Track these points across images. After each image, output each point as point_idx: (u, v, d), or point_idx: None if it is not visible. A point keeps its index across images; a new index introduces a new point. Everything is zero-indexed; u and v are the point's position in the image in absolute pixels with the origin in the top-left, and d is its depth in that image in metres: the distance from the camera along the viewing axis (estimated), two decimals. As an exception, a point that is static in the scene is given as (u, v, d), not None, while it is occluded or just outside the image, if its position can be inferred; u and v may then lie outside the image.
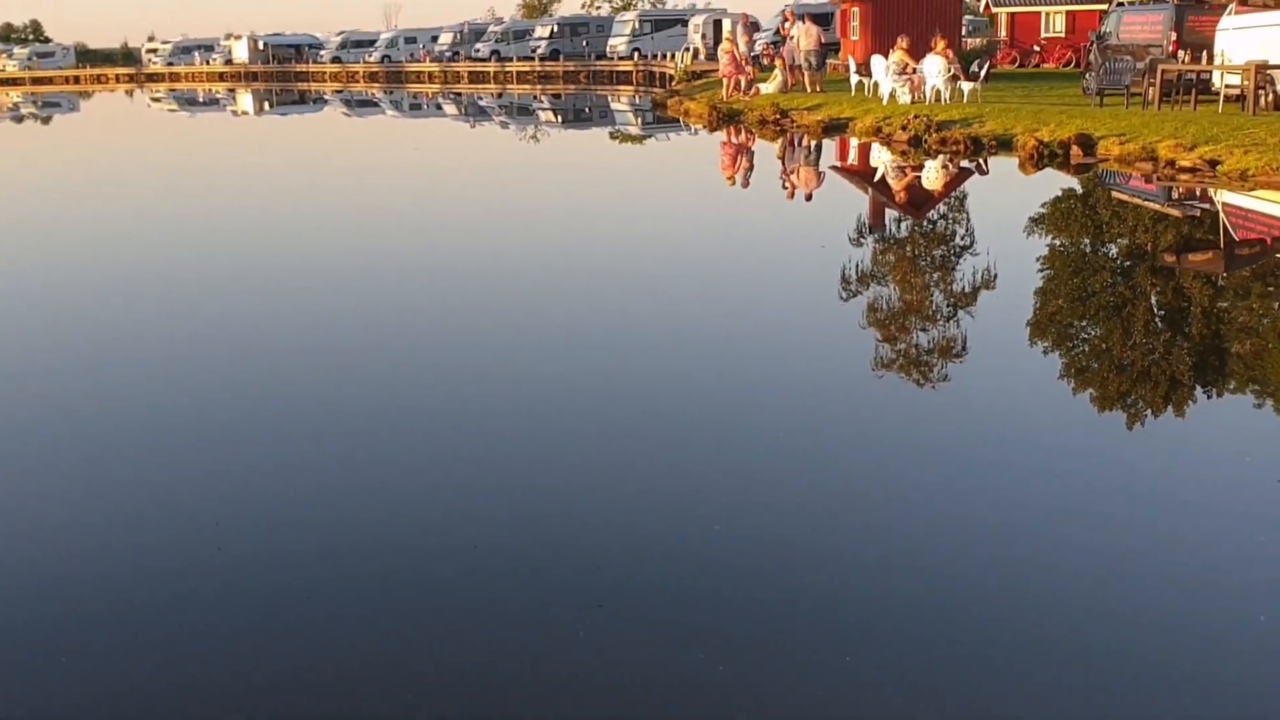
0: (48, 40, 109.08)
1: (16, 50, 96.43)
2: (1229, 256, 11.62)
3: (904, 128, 21.34)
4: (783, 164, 22.19)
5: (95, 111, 56.46)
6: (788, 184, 18.76)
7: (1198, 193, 15.00)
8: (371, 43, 75.94)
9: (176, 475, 6.15)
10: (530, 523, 5.44)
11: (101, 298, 10.81)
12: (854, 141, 22.81)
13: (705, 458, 6.28)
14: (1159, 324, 9.04)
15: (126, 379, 8.06)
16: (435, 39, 72.79)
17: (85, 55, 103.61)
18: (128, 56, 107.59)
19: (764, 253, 12.49)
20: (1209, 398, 7.40)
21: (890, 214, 15.21)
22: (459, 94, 54.88)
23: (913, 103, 24.57)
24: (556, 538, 5.25)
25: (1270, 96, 19.13)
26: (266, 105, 53.64)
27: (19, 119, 50.95)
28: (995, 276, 10.45)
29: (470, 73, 64.60)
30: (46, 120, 49.66)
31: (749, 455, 6.28)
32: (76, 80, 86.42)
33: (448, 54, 70.07)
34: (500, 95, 53.08)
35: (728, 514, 5.50)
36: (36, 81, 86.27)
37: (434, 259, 12.47)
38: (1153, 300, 9.77)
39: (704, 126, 28.96)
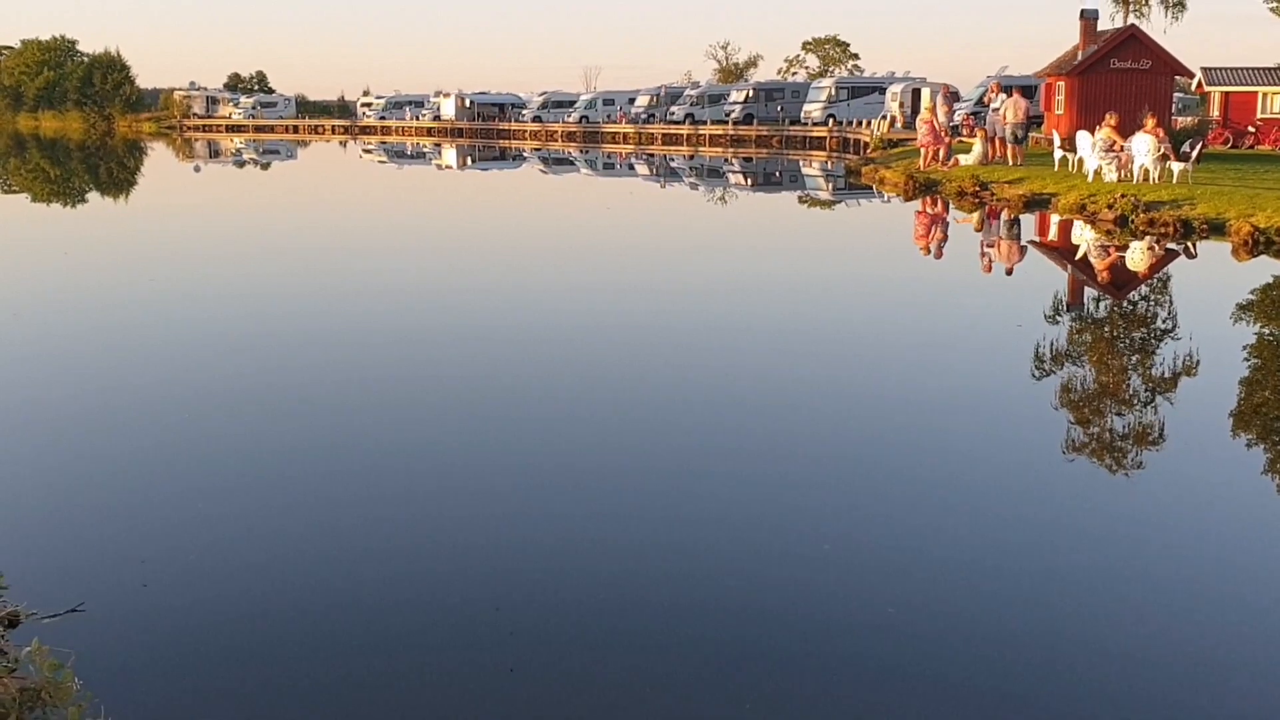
0: (271, 91, 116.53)
1: (243, 99, 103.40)
2: None
3: (1110, 206, 20.82)
4: (981, 237, 21.90)
5: (309, 160, 59.93)
6: (985, 258, 18.52)
7: None
8: (571, 103, 78.39)
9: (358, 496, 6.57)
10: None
11: (262, 313, 11.55)
12: (1055, 218, 22.36)
13: (896, 526, 6.32)
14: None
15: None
16: (632, 101, 74.62)
17: (305, 106, 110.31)
18: (343, 109, 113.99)
19: (958, 326, 12.40)
20: None
21: (1090, 293, 14.87)
22: (652, 155, 56.06)
23: (1119, 181, 23.96)
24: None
25: None
26: (469, 160, 55.94)
27: (241, 164, 54.56)
28: (1198, 363, 10.12)
29: (664, 135, 65.90)
30: (265, 166, 52.98)
31: (936, 528, 6.29)
32: (295, 130, 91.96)
33: (643, 116, 71.70)
34: (692, 157, 53.97)
35: (923, 593, 5.53)
36: (259, 129, 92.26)
37: (616, 318, 12.82)
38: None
39: (899, 195, 28.84)
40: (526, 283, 15.43)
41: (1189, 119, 44.69)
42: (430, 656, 4.84)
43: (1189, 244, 18.56)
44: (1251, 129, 39.74)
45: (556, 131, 73.36)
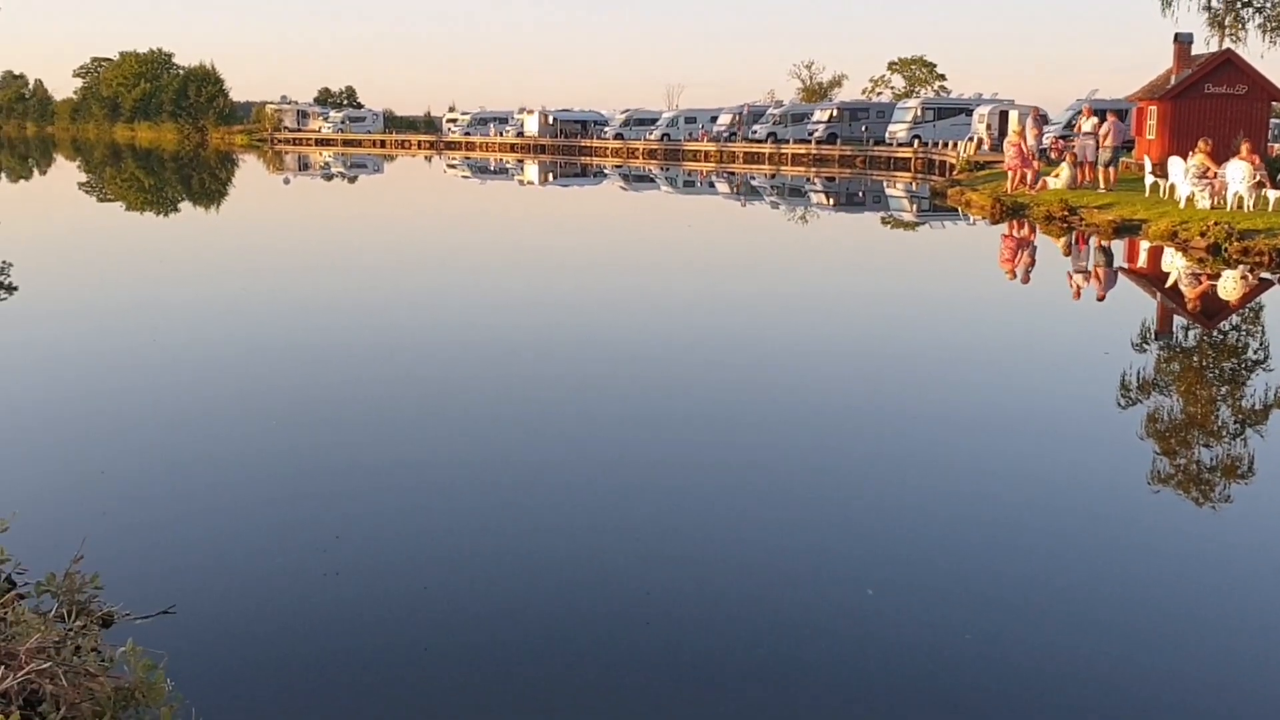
0: (360, 106, 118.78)
1: (332, 114, 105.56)
2: None
3: (1203, 234, 20.40)
4: (1069, 263, 21.61)
5: (395, 174, 60.94)
6: (1073, 283, 18.27)
7: None
8: (653, 121, 78.72)
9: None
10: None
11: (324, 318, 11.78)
12: (1145, 244, 21.98)
13: (975, 555, 6.29)
14: None
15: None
16: (714, 119, 74.71)
17: (392, 121, 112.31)
18: (429, 124, 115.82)
19: (1044, 352, 12.26)
20: None
21: (1180, 321, 14.60)
22: (733, 173, 56.05)
23: (1212, 208, 23.46)
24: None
25: None
26: (550, 176, 56.44)
27: (329, 177, 55.67)
28: (1290, 395, 9.92)
29: (745, 153, 65.83)
30: (352, 180, 54.02)
31: (1019, 555, 6.25)
32: (382, 144, 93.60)
33: (725, 134, 71.76)
34: (774, 176, 53.85)
35: (1003, 618, 5.51)
36: (347, 143, 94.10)
37: (693, 334, 12.88)
38: None
39: (986, 218, 28.54)
40: (602, 298, 15.56)
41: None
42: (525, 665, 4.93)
43: (1275, 273, 18.13)
44: (1353, 157, 38.68)
45: (638, 149, 73.70)
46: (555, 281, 17.56)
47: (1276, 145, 40.66)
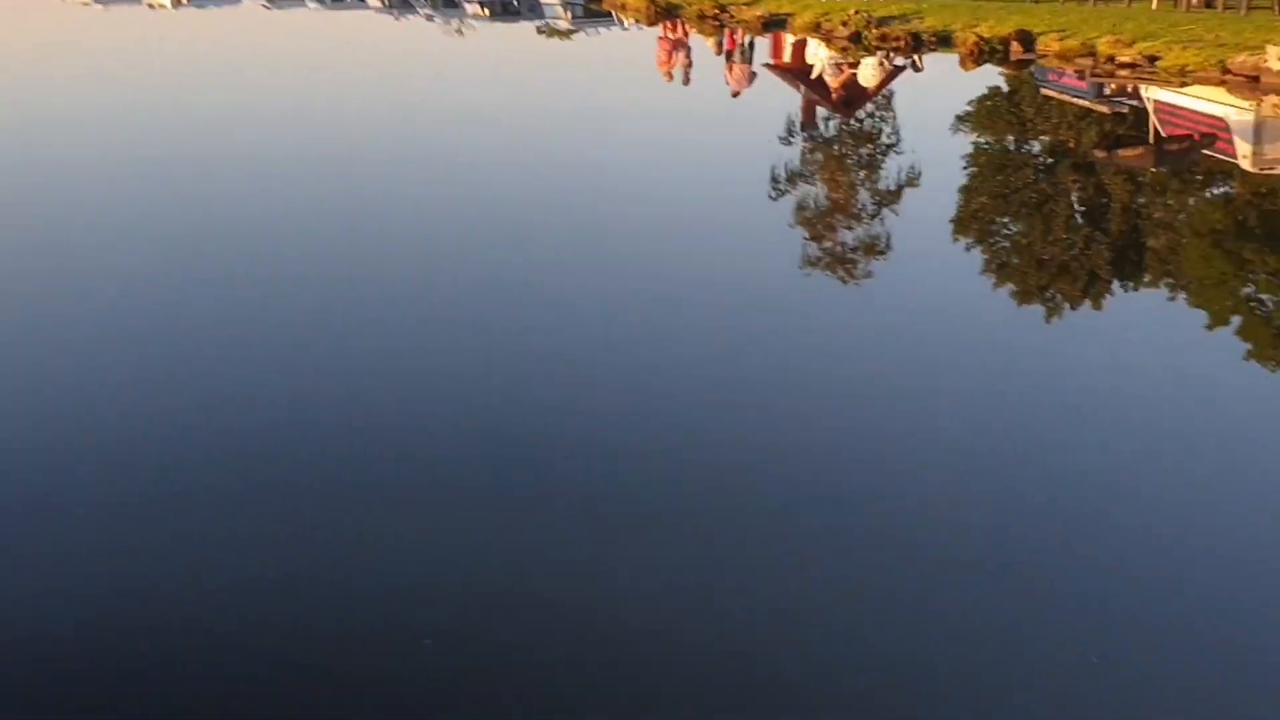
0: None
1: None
2: (1158, 152, 11.97)
3: (844, 24, 21.39)
4: (723, 61, 22.22)
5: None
6: (723, 81, 18.84)
7: (1129, 89, 15.34)
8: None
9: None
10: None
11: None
12: (791, 38, 22.83)
13: (627, 343, 6.52)
14: (1080, 220, 9.39)
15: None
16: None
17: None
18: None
19: (695, 150, 12.64)
20: (1126, 291, 7.77)
21: (822, 112, 15.38)
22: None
23: (850, -2, 24.59)
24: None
25: (1201, -9, 19.51)
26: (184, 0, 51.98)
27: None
28: (920, 175, 10.73)
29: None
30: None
31: (667, 349, 6.53)
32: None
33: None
34: (427, -12, 52.00)
35: (655, 406, 5.76)
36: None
37: (358, 163, 12.45)
38: (1073, 197, 10.11)
39: (643, 21, 28.73)
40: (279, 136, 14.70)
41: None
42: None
43: (915, 57, 19.35)
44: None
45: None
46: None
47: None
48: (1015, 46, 18.37)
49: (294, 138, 13.93)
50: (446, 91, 18.61)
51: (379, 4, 43.75)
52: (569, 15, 35.56)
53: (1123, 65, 16.18)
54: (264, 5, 44.71)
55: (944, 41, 19.77)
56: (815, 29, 22.43)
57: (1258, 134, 12.69)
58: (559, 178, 11.36)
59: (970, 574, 4.18)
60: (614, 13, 31.87)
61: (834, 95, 16.34)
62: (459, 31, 31.86)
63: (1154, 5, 20.15)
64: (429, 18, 37.51)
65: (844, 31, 21.22)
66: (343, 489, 4.93)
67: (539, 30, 32.00)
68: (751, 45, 22.98)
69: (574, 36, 29.95)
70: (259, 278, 7.95)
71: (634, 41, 27.28)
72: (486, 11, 38.82)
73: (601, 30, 30.57)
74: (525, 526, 4.59)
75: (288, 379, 6.18)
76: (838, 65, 18.86)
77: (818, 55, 20.24)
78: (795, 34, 22.96)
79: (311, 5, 44.55)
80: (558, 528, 4.58)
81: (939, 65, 18.78)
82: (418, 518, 4.67)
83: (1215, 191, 10.49)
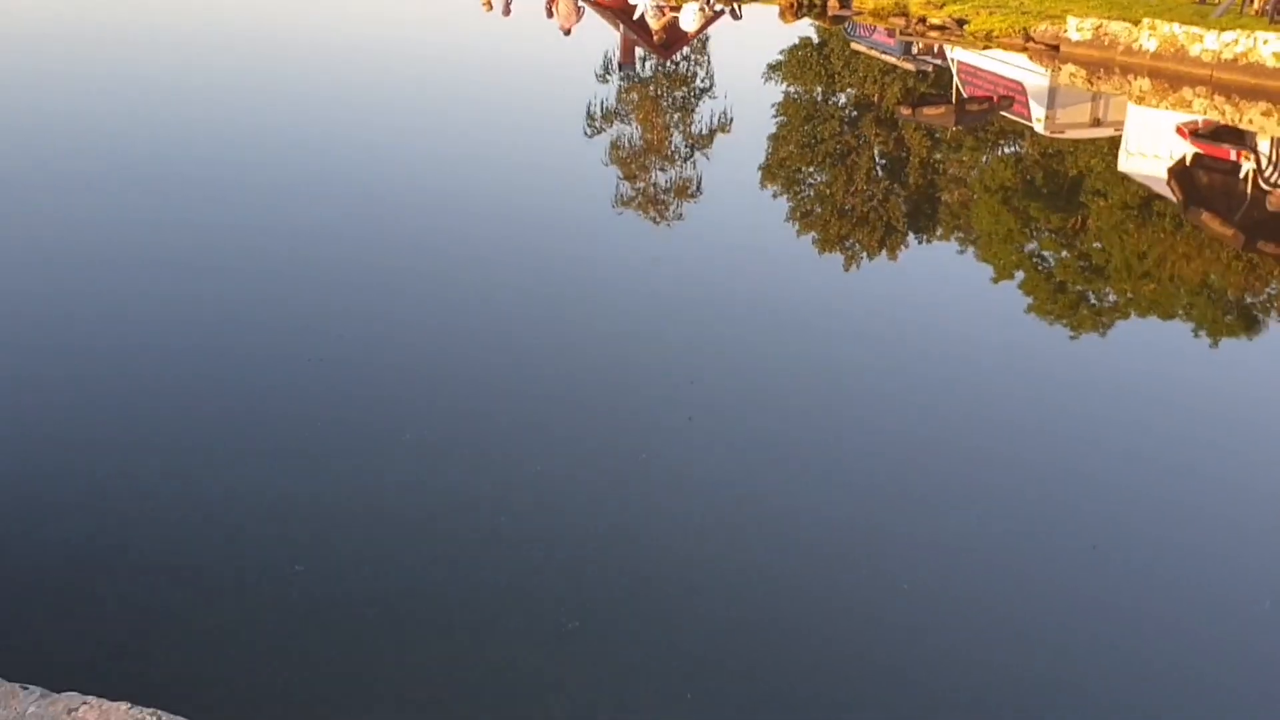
0: None
1: None
2: (960, 112, 12.59)
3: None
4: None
5: None
6: (552, 15, 18.86)
7: (935, 49, 16.04)
8: None
9: None
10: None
11: None
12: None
13: (444, 279, 6.58)
14: (880, 173, 9.85)
15: None
16: None
17: None
18: None
19: (518, 85, 12.65)
20: (920, 242, 8.22)
21: (640, 52, 15.56)
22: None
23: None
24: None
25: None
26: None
27: None
28: (731, 120, 11.04)
29: None
30: None
31: (483, 282, 6.63)
32: None
33: None
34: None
35: (480, 341, 5.86)
36: None
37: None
38: (875, 150, 10.59)
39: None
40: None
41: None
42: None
43: (735, 6, 19.70)
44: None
45: None
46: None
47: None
48: (832, 2, 18.89)
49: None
50: (263, 31, 18.01)
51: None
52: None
53: (933, 27, 16.86)
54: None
55: (768, -7, 20.19)
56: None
57: (1051, 99, 13.48)
58: (377, 113, 11.21)
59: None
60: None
61: (655, 38, 16.53)
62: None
63: (963, -31, 21.01)
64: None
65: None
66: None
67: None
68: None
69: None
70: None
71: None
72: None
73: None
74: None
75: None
76: (660, 8, 19.04)
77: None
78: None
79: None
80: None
81: (759, 16, 19.15)
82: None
83: (1008, 151, 11.13)
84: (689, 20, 19.74)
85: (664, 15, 18.31)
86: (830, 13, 18.64)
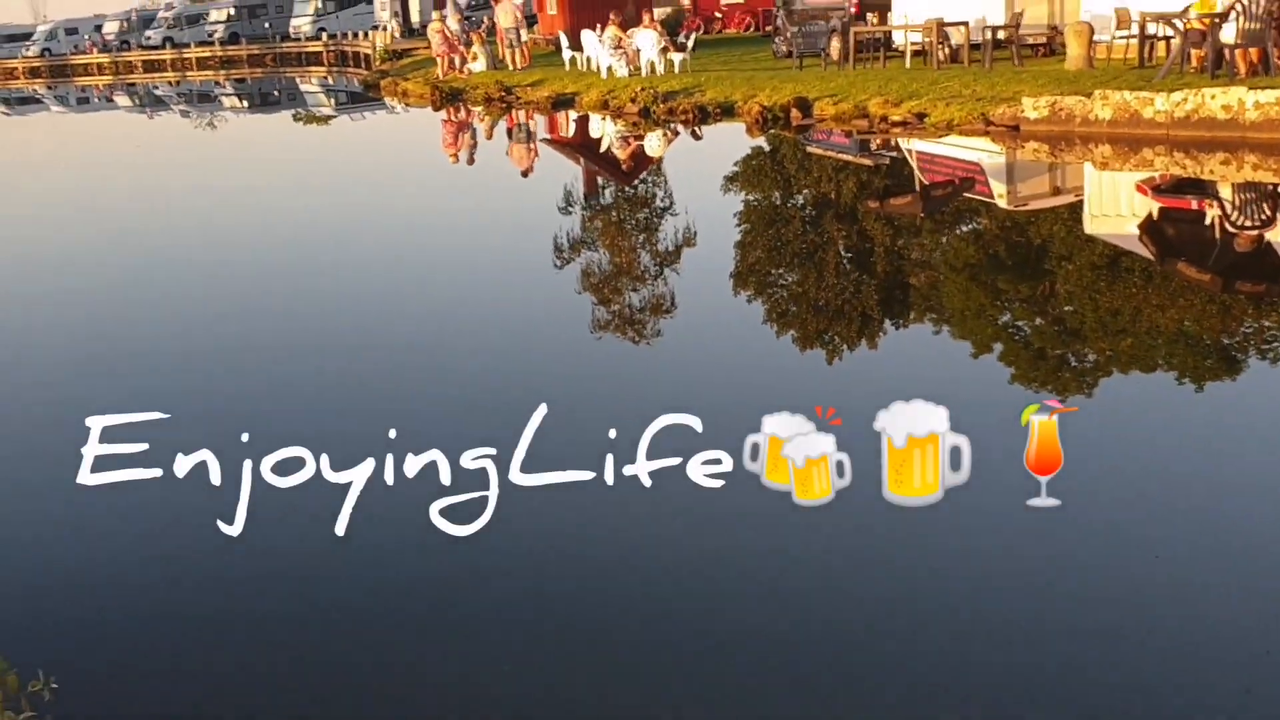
0: None
1: None
2: (925, 198, 13.13)
3: (633, 100, 22.68)
4: (508, 141, 23.20)
5: None
6: (515, 159, 19.81)
7: (891, 142, 16.79)
8: (27, 36, 72.65)
9: None
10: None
11: None
12: (581, 115, 23.96)
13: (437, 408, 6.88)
14: (848, 265, 10.30)
15: None
16: (99, 29, 70.20)
17: None
18: None
19: (489, 226, 13.28)
20: (896, 328, 8.59)
21: (602, 182, 16.28)
22: (134, 85, 53.17)
23: (630, 75, 25.81)
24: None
25: (947, 50, 21.36)
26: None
27: None
28: (695, 234, 11.62)
29: (144, 62, 62.76)
30: None
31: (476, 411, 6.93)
32: None
33: (116, 44, 68.01)
34: (179, 84, 51.85)
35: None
36: None
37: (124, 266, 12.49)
38: (840, 245, 11.09)
39: (427, 106, 29.42)
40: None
41: (665, 10, 48.22)
42: None
43: (695, 128, 20.59)
44: (718, 15, 44.28)
45: (16, 68, 67.44)
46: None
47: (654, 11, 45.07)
48: (795, 113, 19.68)
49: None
50: (236, 182, 18.72)
51: (130, 102, 43.35)
52: (334, 103, 35.97)
53: (896, 124, 17.62)
54: (3, 113, 43.64)
55: (727, 111, 21.04)
56: (603, 106, 23.62)
57: (1009, 174, 14.15)
58: (359, 256, 11.77)
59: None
60: (396, 100, 32.55)
61: (624, 166, 17.28)
62: (211, 125, 32.18)
63: (908, 64, 22.01)
64: (185, 113, 37.45)
65: (634, 107, 22.47)
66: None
67: (306, 119, 32.38)
68: (546, 123, 24.17)
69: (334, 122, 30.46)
70: None
71: (412, 123, 27.94)
72: (246, 103, 38.84)
73: (366, 114, 31.26)
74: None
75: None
76: (624, 139, 19.89)
77: (606, 130, 21.34)
78: (585, 110, 24.14)
79: (56, 109, 43.72)
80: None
81: (726, 133, 19.95)
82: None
83: (970, 228, 11.63)
84: (654, 146, 20.59)
85: (630, 144, 19.18)
86: (794, 123, 19.40)
